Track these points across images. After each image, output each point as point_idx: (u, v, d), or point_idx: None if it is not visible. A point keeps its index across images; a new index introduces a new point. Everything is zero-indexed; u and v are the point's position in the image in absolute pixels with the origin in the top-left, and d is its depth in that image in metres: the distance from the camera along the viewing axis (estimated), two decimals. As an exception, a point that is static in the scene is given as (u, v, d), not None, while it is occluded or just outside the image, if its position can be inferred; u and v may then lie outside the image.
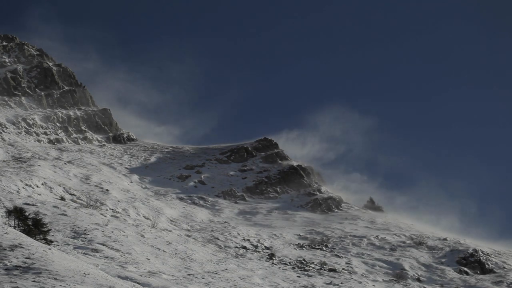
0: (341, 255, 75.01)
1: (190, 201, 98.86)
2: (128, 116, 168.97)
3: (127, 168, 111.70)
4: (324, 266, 67.29)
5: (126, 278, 35.99)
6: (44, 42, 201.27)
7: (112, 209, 72.62)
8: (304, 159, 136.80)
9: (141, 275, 38.35)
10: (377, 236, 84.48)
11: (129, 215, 72.84)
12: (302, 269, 64.47)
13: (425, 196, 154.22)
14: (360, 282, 61.61)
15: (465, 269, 75.73)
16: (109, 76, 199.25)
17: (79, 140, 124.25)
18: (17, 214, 39.13)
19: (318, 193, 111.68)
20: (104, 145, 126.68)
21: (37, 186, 69.34)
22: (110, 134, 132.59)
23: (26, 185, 67.47)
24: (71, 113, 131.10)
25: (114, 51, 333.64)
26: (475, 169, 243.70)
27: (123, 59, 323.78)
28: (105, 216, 59.09)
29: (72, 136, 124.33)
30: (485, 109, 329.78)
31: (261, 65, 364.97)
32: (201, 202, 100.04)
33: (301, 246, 77.70)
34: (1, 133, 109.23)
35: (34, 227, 38.56)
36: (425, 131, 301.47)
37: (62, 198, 68.50)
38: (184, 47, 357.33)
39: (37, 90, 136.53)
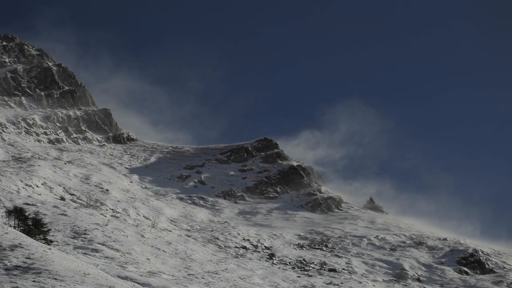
0: (341, 255, 74.98)
1: (190, 201, 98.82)
2: (134, 119, 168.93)
3: (127, 168, 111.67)
4: (324, 266, 67.26)
5: (126, 278, 35.99)
6: (54, 45, 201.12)
7: (112, 209, 72.61)
8: (318, 163, 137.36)
9: (141, 275, 38.35)
10: (377, 236, 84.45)
11: (129, 215, 72.83)
12: (302, 269, 64.45)
13: (443, 201, 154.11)
14: (360, 282, 61.58)
15: (465, 269, 75.69)
16: (118, 79, 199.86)
17: (79, 140, 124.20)
18: (17, 214, 39.14)
19: (318, 193, 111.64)
20: (104, 145, 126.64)
21: (37, 186, 69.33)
22: (110, 134, 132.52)
23: (26, 185, 67.46)
24: (71, 113, 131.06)
25: (123, 54, 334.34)
26: (486, 170, 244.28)
27: (131, 62, 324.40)
28: (105, 216, 59.09)
29: (72, 136, 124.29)
30: (485, 109, 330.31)
31: (262, 66, 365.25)
32: (201, 202, 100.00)
33: (301, 246, 77.68)
34: (1, 133, 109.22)
35: (34, 227, 38.56)
36: (424, 131, 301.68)
37: (62, 198, 68.49)
38: (190, 49, 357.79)
39: (37, 90, 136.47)
